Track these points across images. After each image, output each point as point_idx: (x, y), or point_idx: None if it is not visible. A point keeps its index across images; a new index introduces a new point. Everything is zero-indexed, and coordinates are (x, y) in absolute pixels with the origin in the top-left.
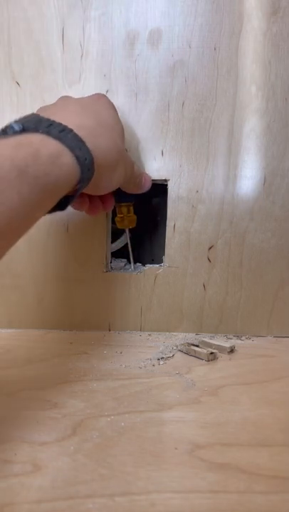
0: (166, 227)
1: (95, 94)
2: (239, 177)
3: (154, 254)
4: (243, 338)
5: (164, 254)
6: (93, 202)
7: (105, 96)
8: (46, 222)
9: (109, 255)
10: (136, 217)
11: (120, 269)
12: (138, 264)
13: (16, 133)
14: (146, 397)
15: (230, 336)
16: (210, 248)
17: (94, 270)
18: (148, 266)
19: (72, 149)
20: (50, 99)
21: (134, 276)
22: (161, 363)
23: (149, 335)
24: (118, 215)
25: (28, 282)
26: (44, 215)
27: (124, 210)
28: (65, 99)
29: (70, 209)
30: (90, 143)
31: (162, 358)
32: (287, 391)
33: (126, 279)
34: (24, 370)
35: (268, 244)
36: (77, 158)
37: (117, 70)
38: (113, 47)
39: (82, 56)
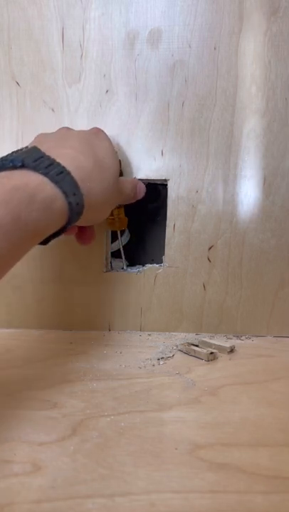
0: (166, 227)
1: (94, 128)
2: (239, 177)
3: (153, 254)
4: (243, 338)
5: (164, 254)
6: (84, 232)
7: (102, 131)
8: None
9: (109, 255)
10: (127, 219)
11: (120, 268)
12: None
13: (13, 167)
14: (146, 397)
15: (230, 336)
16: (210, 248)
17: (94, 270)
18: (148, 266)
19: (67, 195)
20: (50, 99)
21: (134, 276)
22: (161, 363)
23: (149, 335)
24: (109, 217)
25: (27, 282)
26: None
27: (116, 212)
28: (65, 132)
29: None
30: (84, 188)
31: (162, 358)
32: (287, 391)
33: (126, 279)
34: (24, 370)
35: (268, 244)
36: (70, 203)
37: (117, 70)
38: (113, 47)
39: (82, 56)
